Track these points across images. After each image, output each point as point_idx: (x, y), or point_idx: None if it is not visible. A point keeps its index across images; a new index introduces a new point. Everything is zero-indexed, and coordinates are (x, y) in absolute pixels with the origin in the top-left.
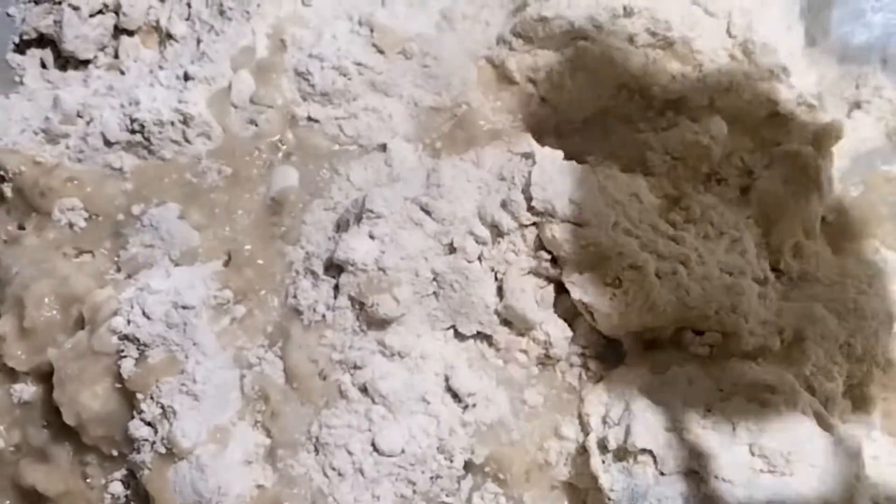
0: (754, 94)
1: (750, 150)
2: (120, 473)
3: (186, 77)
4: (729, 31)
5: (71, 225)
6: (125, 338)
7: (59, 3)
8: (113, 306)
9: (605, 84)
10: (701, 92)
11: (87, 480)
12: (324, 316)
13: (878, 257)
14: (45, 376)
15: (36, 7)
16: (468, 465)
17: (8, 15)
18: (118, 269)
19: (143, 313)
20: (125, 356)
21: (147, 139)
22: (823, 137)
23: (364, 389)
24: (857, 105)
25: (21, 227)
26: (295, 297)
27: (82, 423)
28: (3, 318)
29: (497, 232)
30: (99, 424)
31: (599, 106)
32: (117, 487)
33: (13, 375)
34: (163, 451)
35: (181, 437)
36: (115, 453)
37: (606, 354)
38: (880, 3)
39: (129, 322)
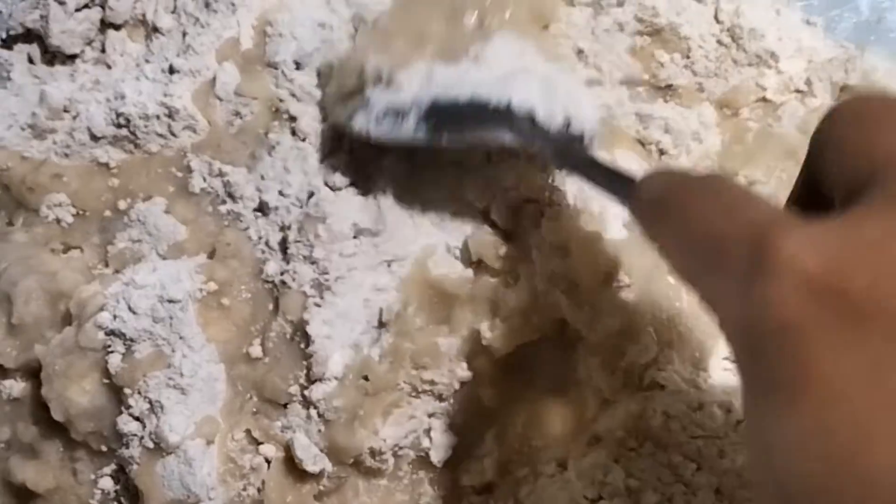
0: (742, 79)
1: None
2: (109, 469)
3: (172, 70)
4: (716, 17)
5: (59, 220)
6: (111, 333)
7: None
8: (99, 302)
9: None
10: (689, 79)
11: (77, 476)
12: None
13: None
14: (33, 373)
15: (22, 2)
16: None
17: None
18: (106, 264)
19: (129, 308)
20: (112, 351)
21: (133, 133)
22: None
23: None
24: (845, 89)
25: (10, 224)
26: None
27: (70, 419)
28: None
29: None
30: (87, 420)
31: None
32: (107, 483)
33: (2, 372)
34: (151, 445)
35: (169, 431)
36: (104, 448)
37: None
38: None
39: (115, 317)
